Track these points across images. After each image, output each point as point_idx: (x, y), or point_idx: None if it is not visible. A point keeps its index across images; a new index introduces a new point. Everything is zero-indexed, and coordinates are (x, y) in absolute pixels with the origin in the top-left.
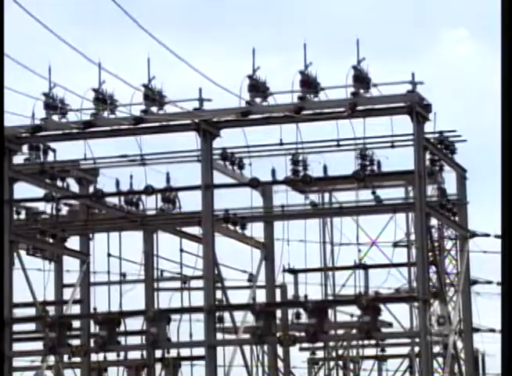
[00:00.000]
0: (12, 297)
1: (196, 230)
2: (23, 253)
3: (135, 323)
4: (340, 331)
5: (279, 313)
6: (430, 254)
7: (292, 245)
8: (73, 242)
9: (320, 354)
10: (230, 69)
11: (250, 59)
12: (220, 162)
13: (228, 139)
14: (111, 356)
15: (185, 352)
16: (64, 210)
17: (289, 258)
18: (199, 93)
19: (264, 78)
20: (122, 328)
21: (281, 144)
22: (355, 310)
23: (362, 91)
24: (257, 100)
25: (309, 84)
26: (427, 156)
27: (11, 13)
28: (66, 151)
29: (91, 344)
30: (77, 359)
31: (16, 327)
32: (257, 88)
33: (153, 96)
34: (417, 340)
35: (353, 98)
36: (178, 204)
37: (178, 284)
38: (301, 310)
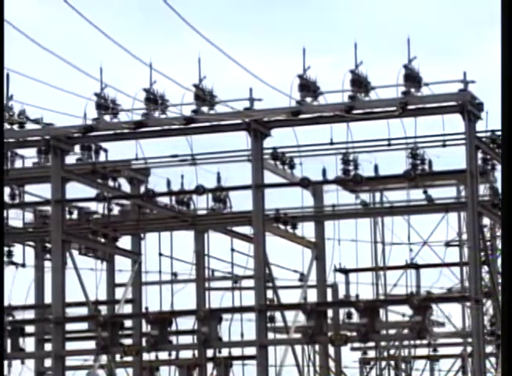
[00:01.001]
0: (65, 296)
1: (247, 230)
2: (75, 253)
3: (187, 323)
4: (392, 331)
5: (330, 313)
6: (482, 253)
7: (343, 245)
8: (125, 242)
9: (372, 354)
10: (280, 68)
11: (300, 58)
12: (270, 162)
13: (279, 138)
14: (163, 356)
15: (236, 351)
16: (116, 210)
17: (340, 257)
18: (249, 93)
19: (314, 78)
20: (174, 327)
21: (331, 143)
22: (406, 310)
23: (413, 90)
24: (308, 100)
25: (360, 83)
26: (479, 155)
27: (61, 14)
28: (117, 151)
29: (143, 343)
30: (129, 359)
31: (69, 327)
32: (308, 87)
33: (203, 96)
34: (470, 340)
35: (404, 97)
36: (229, 203)
37: (229, 284)
38: (353, 310)
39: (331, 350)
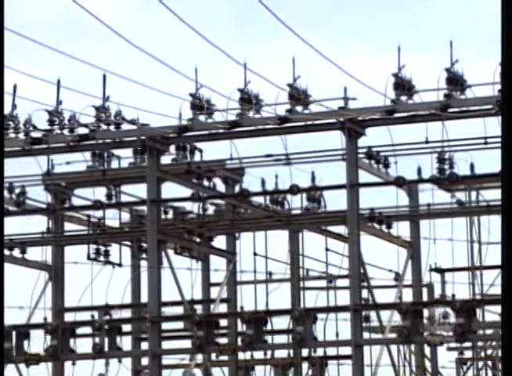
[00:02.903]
0: (161, 295)
1: (341, 229)
2: (170, 252)
3: (282, 322)
4: (489, 331)
5: (426, 313)
6: None
7: (438, 244)
8: (220, 241)
9: (468, 354)
10: (375, 67)
11: (395, 57)
12: (365, 161)
13: (374, 137)
14: (258, 355)
15: (331, 351)
16: (211, 209)
17: (435, 257)
18: (344, 92)
19: (409, 76)
20: (269, 327)
21: (427, 142)
22: None
23: None
24: (403, 98)
25: (455, 81)
26: None
27: (157, 15)
28: (212, 151)
29: (239, 342)
30: (225, 358)
31: (165, 325)
32: (403, 86)
33: (298, 96)
34: None
35: (500, 95)
36: (324, 203)
37: (323, 283)
38: (449, 309)
39: (427, 350)
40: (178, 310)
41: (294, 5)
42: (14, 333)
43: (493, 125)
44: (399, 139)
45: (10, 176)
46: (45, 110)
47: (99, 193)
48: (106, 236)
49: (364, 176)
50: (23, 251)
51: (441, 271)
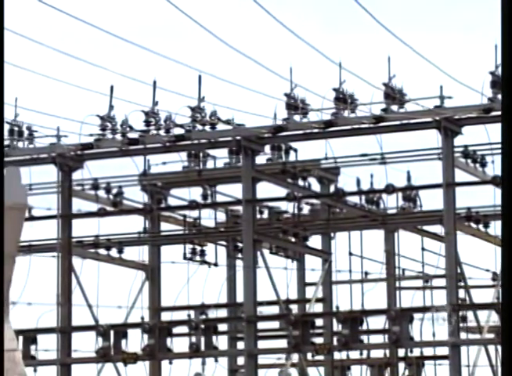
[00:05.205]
0: (257, 295)
1: (437, 229)
2: (266, 252)
3: (378, 322)
4: None
5: None
6: None
7: None
8: (315, 241)
9: None
10: (472, 65)
11: (492, 55)
12: (461, 160)
13: (470, 136)
14: (354, 355)
15: (428, 351)
16: (306, 209)
17: None
18: (440, 91)
19: None
20: (364, 327)
21: None
22: None
23: None
24: (500, 97)
25: None
26: None
27: (251, 14)
28: (307, 151)
29: (335, 342)
30: (321, 357)
31: (261, 325)
32: (500, 84)
33: (393, 95)
34: None
35: None
36: (419, 202)
37: (420, 283)
38: None
39: None
40: (274, 310)
41: (388, 3)
42: (112, 332)
43: None
44: (496, 138)
45: (107, 177)
46: (141, 110)
47: (195, 193)
48: (201, 236)
49: (460, 175)
50: (121, 251)
51: None
